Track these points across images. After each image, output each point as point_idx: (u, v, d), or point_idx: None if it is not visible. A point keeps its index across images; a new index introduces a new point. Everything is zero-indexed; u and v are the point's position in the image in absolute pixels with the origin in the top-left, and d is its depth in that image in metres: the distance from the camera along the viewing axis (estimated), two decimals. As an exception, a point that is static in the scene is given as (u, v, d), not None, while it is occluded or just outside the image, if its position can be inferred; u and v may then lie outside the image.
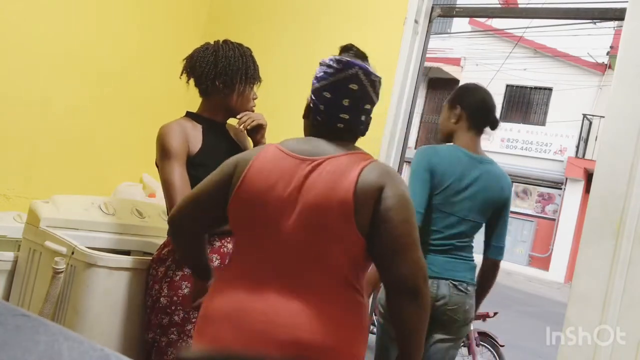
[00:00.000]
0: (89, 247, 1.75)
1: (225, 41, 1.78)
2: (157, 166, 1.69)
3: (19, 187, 2.39)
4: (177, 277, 1.62)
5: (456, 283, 1.99)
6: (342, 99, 1.24)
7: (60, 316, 1.72)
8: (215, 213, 1.28)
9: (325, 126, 1.27)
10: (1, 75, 2.29)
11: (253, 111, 1.80)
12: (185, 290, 1.61)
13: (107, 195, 2.49)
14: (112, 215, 1.98)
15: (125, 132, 2.72)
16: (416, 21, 2.46)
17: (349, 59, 1.26)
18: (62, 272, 1.69)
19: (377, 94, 1.30)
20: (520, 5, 11.58)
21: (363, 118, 1.28)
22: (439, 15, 2.54)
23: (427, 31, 2.53)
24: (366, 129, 1.33)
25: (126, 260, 1.73)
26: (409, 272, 1.17)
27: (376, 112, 2.63)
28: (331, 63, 1.26)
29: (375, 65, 1.33)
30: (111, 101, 2.67)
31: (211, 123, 1.76)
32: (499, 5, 11.13)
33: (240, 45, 1.78)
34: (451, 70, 14.44)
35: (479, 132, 2.07)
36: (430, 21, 2.52)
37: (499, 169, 2.07)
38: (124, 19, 2.68)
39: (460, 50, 14.35)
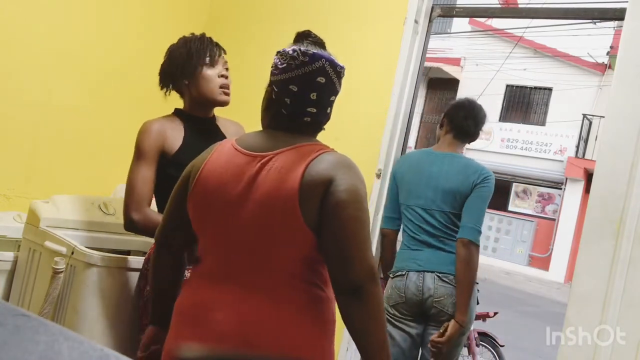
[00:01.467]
0: (89, 247, 1.75)
1: (180, 38, 1.76)
2: None
3: (19, 187, 2.39)
4: None
5: (441, 275, 2.07)
6: (309, 93, 1.20)
7: (60, 316, 1.72)
8: (186, 222, 1.26)
9: (290, 119, 1.23)
10: (1, 75, 2.29)
11: (225, 91, 1.71)
12: None
13: (107, 195, 2.49)
14: (112, 215, 1.98)
15: (126, 132, 2.70)
16: (416, 21, 2.46)
17: (314, 50, 1.21)
18: (61, 272, 1.69)
19: (340, 85, 1.26)
20: (520, 5, 11.57)
21: (328, 110, 1.26)
22: (439, 15, 2.54)
23: (427, 31, 2.53)
24: (328, 120, 1.29)
25: (126, 260, 1.73)
26: (354, 271, 1.11)
27: (376, 112, 2.64)
28: (295, 55, 1.20)
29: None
30: (111, 101, 2.67)
31: (195, 119, 1.72)
32: (499, 5, 11.12)
33: (192, 34, 1.75)
34: (451, 70, 14.44)
35: (457, 136, 2.24)
36: (430, 21, 2.52)
37: (466, 161, 2.19)
38: (124, 19, 2.68)
39: (460, 50, 14.35)
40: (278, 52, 1.26)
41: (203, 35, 1.75)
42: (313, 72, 1.20)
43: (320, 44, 1.27)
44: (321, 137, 1.31)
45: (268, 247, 1.16)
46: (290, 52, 1.22)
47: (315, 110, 1.22)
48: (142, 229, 1.61)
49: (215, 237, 1.21)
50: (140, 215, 1.59)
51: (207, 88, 1.69)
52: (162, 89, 1.75)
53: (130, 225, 1.61)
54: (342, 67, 1.24)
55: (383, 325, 1.15)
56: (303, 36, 1.28)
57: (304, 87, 1.20)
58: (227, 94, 1.73)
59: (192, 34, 1.75)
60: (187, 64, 1.68)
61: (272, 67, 1.26)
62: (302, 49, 1.21)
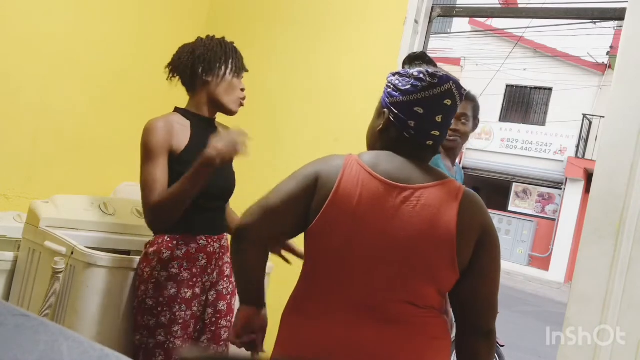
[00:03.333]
0: (88, 247, 1.75)
1: (207, 35, 1.75)
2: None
3: (19, 187, 2.39)
4: (163, 278, 1.61)
5: None
6: (435, 115, 1.18)
7: (59, 316, 1.71)
8: (290, 226, 1.21)
9: (413, 143, 1.20)
10: (1, 75, 2.29)
11: (242, 103, 1.73)
12: (172, 291, 1.60)
13: (107, 195, 2.49)
14: (112, 215, 1.98)
15: (125, 132, 2.71)
16: (416, 21, 2.46)
17: (442, 73, 1.19)
18: (61, 272, 1.69)
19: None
20: (520, 5, 11.58)
21: (446, 133, 1.23)
22: (439, 15, 2.54)
23: (427, 31, 2.53)
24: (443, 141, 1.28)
25: (126, 260, 1.73)
26: (488, 316, 1.21)
27: (376, 112, 2.63)
28: (422, 76, 1.18)
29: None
30: (111, 101, 2.67)
31: (199, 118, 1.71)
32: (499, 5, 11.12)
33: (223, 38, 1.75)
34: (451, 70, 14.29)
35: None
36: (430, 21, 2.52)
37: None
38: (124, 19, 2.68)
39: (460, 50, 14.34)
40: (396, 73, 1.23)
41: (234, 45, 1.75)
42: (442, 95, 1.18)
43: (435, 64, 1.25)
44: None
45: (412, 282, 1.14)
46: (416, 73, 1.19)
47: (438, 134, 1.20)
48: (162, 217, 1.56)
49: (347, 267, 1.15)
50: (158, 197, 1.54)
51: (228, 95, 1.70)
52: (171, 74, 1.72)
53: (151, 222, 1.58)
54: (465, 90, 1.23)
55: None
56: (419, 57, 1.26)
57: (431, 109, 1.18)
58: (241, 105, 1.75)
59: (224, 37, 1.74)
60: (219, 64, 1.67)
61: (388, 87, 1.23)
62: (430, 70, 1.19)
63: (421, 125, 1.18)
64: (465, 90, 1.23)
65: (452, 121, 1.24)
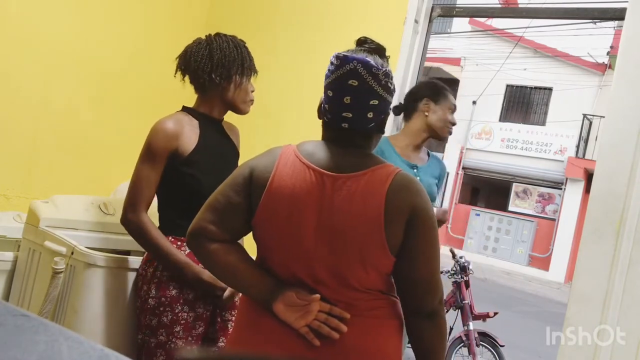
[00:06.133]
0: (88, 247, 1.75)
1: (217, 34, 1.73)
2: None
3: (19, 187, 2.39)
4: (165, 278, 1.61)
5: None
6: (343, 97, 1.18)
7: (59, 316, 1.72)
8: (239, 221, 1.22)
9: (332, 127, 1.24)
10: (1, 75, 2.29)
11: (252, 103, 1.76)
12: (173, 292, 1.60)
13: (107, 195, 2.49)
14: (112, 215, 1.98)
15: (126, 131, 2.72)
16: (416, 21, 2.46)
17: (347, 54, 1.19)
18: (61, 272, 1.69)
19: (385, 88, 1.20)
20: (520, 5, 11.58)
21: (370, 115, 1.20)
22: (439, 15, 2.54)
23: (427, 31, 2.53)
24: (380, 126, 1.25)
25: (126, 260, 1.73)
26: (429, 296, 1.20)
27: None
28: (332, 59, 1.21)
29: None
30: (111, 101, 2.67)
31: (208, 119, 1.71)
32: (499, 5, 11.13)
33: (234, 37, 1.74)
34: (451, 70, 14.44)
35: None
36: (430, 21, 2.52)
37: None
38: (124, 20, 2.68)
39: (460, 50, 14.34)
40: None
41: (245, 43, 1.74)
42: (345, 75, 1.18)
43: (377, 49, 1.25)
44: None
45: (350, 268, 1.16)
46: (332, 58, 1.22)
47: (351, 115, 1.19)
48: (133, 230, 1.60)
49: (287, 257, 1.19)
50: (135, 217, 1.59)
51: (241, 98, 1.72)
52: (182, 73, 1.71)
53: (124, 223, 1.62)
54: (378, 69, 1.18)
55: (445, 345, 1.25)
56: (359, 43, 1.27)
57: (337, 91, 1.19)
58: (250, 106, 1.77)
59: (235, 37, 1.73)
60: (235, 70, 1.68)
61: None
62: (338, 53, 1.20)
63: (332, 108, 1.21)
64: (378, 69, 1.19)
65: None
